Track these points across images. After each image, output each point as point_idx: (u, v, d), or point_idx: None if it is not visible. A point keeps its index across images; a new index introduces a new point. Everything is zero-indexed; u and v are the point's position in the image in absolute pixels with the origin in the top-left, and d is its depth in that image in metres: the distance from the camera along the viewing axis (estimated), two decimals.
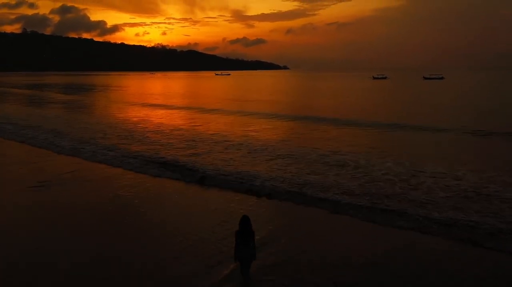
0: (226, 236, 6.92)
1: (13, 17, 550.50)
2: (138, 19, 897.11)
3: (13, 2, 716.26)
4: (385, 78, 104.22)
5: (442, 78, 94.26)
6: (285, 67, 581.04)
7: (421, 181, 10.02)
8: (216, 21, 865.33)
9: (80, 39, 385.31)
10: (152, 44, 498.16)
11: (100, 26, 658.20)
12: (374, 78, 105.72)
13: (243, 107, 30.04)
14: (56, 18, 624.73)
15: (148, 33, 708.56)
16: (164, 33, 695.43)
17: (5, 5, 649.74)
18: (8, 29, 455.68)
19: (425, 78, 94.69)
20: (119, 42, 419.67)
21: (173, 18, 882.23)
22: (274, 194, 9.21)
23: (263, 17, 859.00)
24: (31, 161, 13.10)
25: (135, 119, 23.47)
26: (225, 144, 15.34)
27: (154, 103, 31.83)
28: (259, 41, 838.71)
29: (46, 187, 9.91)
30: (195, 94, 48.78)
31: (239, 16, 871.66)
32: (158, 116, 24.44)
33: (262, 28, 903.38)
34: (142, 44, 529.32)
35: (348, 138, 16.79)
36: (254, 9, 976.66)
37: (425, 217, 7.75)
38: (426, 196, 8.87)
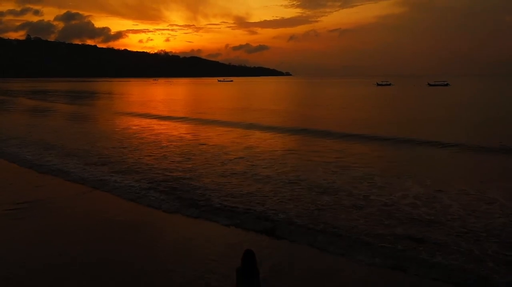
0: (225, 273, 5.72)
1: (18, 23, 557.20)
2: (141, 26, 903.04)
3: (19, 9, 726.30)
4: (389, 84, 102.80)
5: (447, 84, 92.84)
6: (287, 73, 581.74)
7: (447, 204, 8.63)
8: (219, 28, 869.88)
9: (83, 45, 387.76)
10: (155, 51, 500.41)
11: (104, 32, 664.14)
12: (378, 84, 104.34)
13: (246, 118, 27.45)
14: (61, 25, 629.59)
15: (151, 39, 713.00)
16: (167, 40, 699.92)
17: (10, 12, 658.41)
18: (13, 35, 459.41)
19: (430, 85, 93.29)
20: (123, 49, 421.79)
21: (176, 25, 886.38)
22: (278, 228, 7.75)
23: (265, 24, 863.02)
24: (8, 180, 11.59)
25: (133, 131, 22.11)
26: (226, 169, 13.52)
27: (155, 114, 29.39)
28: (261, 48, 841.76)
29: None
30: (198, 102, 47.28)
31: (241, 22, 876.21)
32: (158, 130, 21.97)
33: (264, 35, 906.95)
34: (145, 50, 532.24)
35: (361, 156, 14.71)
36: (257, 16, 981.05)
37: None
38: (461, 224, 7.45)
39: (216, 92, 76.92)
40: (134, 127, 22.85)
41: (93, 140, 18.29)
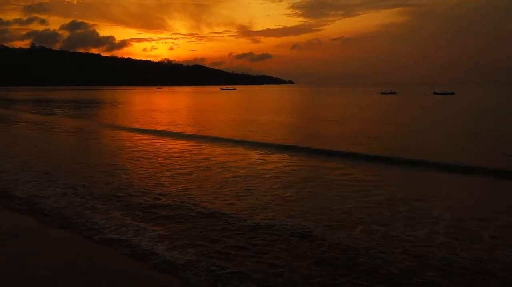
0: None
1: (24, 32, 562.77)
2: (145, 35, 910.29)
3: (25, 18, 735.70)
4: (394, 93, 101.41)
5: (452, 93, 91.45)
6: (290, 82, 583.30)
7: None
8: (222, 36, 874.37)
9: (87, 54, 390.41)
10: (159, 59, 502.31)
11: (108, 41, 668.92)
12: (383, 93, 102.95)
13: (248, 133, 23.64)
14: (66, 33, 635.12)
15: (155, 48, 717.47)
16: (171, 48, 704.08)
17: (17, 21, 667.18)
18: (19, 44, 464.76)
19: (436, 93, 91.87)
20: (126, 57, 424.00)
21: (180, 34, 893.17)
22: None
23: (268, 33, 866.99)
24: None
25: (126, 148, 20.64)
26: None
27: (155, 129, 25.73)
28: (265, 56, 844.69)
29: None
30: (198, 113, 45.79)
31: (244, 31, 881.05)
32: (153, 147, 19.39)
33: (267, 43, 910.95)
34: (149, 59, 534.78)
35: (378, 178, 12.59)
36: (260, 25, 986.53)
37: None
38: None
39: (218, 101, 75.68)
40: (128, 144, 20.01)
41: (78, 159, 16.84)
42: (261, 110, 47.98)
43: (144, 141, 20.81)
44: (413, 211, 9.33)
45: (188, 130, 25.54)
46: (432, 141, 20.97)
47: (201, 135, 22.66)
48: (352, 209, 9.40)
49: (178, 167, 14.20)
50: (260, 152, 17.31)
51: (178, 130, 25.36)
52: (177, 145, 19.61)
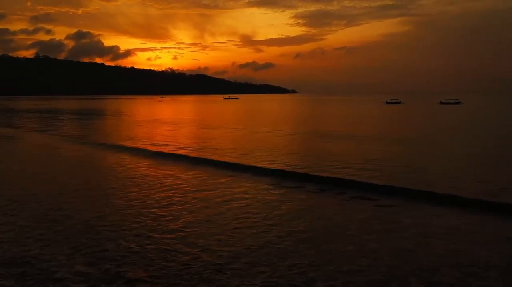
0: None
1: (29, 42, 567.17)
2: (149, 44, 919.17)
3: (31, 28, 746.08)
4: (399, 102, 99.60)
5: (459, 102, 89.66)
6: (293, 91, 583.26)
7: None
8: (225, 46, 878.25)
9: (91, 63, 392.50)
10: (163, 68, 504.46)
11: (113, 51, 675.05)
12: (387, 103, 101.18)
13: (251, 154, 20.27)
14: (71, 43, 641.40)
15: (159, 57, 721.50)
16: (175, 58, 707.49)
17: (23, 31, 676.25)
18: (24, 54, 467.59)
19: (442, 103, 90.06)
20: (129, 66, 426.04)
21: (183, 43, 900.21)
22: None
23: (271, 42, 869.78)
24: None
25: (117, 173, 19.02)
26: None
27: (145, 149, 22.06)
28: (268, 65, 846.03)
29: None
30: (200, 125, 44.37)
31: (248, 41, 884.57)
32: (143, 174, 16.61)
33: (270, 53, 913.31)
34: (153, 68, 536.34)
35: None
36: (263, 34, 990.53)
37: None
38: None
39: (221, 111, 74.31)
40: (120, 168, 16.98)
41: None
42: (263, 122, 46.40)
43: (134, 165, 17.57)
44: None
45: (185, 150, 21.77)
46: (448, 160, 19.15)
47: (200, 159, 18.57)
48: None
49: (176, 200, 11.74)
50: (270, 185, 13.50)
51: (170, 149, 21.75)
52: (173, 171, 16.09)
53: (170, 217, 9.97)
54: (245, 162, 17.14)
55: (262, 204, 11.20)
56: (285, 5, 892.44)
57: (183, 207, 10.90)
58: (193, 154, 20.08)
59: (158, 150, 21.43)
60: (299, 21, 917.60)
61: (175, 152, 20.61)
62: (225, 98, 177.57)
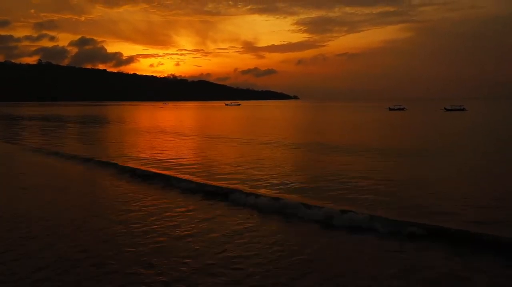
0: None
1: (33, 49, 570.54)
2: (151, 51, 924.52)
3: (35, 35, 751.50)
4: (403, 109, 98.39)
5: (463, 109, 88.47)
6: (295, 97, 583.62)
7: None
8: (227, 52, 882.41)
9: (93, 69, 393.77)
10: (165, 75, 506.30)
11: (116, 57, 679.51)
12: (391, 109, 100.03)
13: (253, 173, 20.02)
14: (75, 50, 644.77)
15: (162, 64, 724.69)
16: (177, 64, 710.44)
17: (27, 38, 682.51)
18: (28, 60, 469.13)
19: (447, 110, 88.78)
20: (132, 73, 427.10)
21: (185, 50, 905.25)
22: None
23: (273, 48, 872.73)
24: None
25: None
26: None
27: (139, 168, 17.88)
28: (270, 72, 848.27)
29: None
30: (200, 132, 43.29)
31: (249, 47, 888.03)
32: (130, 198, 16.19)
33: (272, 59, 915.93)
34: (155, 74, 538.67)
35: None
36: (265, 41, 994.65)
37: None
38: None
39: (223, 119, 73.27)
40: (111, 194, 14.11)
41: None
42: (265, 130, 45.24)
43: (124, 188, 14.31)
44: None
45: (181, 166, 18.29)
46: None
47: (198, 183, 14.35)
48: None
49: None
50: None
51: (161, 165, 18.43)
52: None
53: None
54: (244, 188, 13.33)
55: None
56: (287, 12, 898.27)
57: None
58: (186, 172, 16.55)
59: (135, 167, 17.66)
60: (301, 27, 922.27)
61: (150, 169, 17.14)
62: (227, 104, 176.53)
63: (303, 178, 15.59)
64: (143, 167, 17.57)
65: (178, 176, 15.49)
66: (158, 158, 20.93)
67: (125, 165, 18.05)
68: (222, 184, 13.93)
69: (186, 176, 15.42)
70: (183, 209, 11.32)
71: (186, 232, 9.32)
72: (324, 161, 19.76)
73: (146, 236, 9.08)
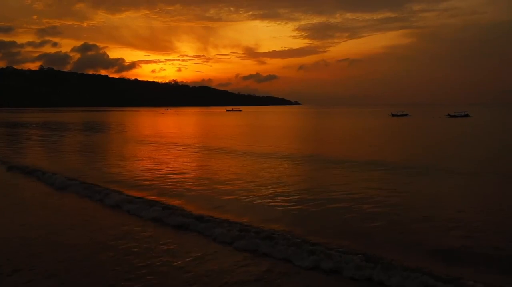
0: None
1: (36, 55, 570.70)
2: (152, 56, 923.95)
3: (38, 41, 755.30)
4: (406, 115, 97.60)
5: (467, 115, 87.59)
6: (296, 103, 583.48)
7: None
8: (229, 58, 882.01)
9: (94, 75, 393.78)
10: (167, 80, 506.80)
11: (118, 63, 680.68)
12: (393, 115, 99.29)
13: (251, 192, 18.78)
14: (77, 55, 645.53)
15: (164, 69, 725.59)
16: (179, 70, 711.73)
17: (30, 44, 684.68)
18: (30, 66, 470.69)
19: (451, 116, 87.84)
20: (133, 78, 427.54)
21: (187, 55, 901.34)
22: None
23: (274, 54, 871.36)
24: None
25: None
26: None
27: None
28: (271, 77, 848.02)
29: None
30: (193, 148, 42.19)
31: (251, 53, 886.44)
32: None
33: (274, 65, 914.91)
34: (157, 80, 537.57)
35: None
36: (266, 47, 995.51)
37: None
38: None
39: (223, 128, 72.50)
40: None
41: None
42: (267, 141, 44.33)
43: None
44: None
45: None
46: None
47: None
48: None
49: None
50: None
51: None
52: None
53: None
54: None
55: None
56: (288, 18, 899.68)
57: None
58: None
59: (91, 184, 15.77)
60: (302, 33, 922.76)
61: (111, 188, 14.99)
62: (228, 110, 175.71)
63: (301, 204, 12.94)
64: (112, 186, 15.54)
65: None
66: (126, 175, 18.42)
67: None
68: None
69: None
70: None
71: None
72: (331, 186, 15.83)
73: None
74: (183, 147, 31.00)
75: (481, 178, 17.72)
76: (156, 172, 19.03)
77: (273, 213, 11.94)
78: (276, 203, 13.09)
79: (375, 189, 15.04)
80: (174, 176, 17.95)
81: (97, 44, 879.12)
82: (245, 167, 20.76)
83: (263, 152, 26.41)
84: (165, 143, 34.36)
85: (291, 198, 13.69)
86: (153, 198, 13.54)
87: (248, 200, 13.53)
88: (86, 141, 39.15)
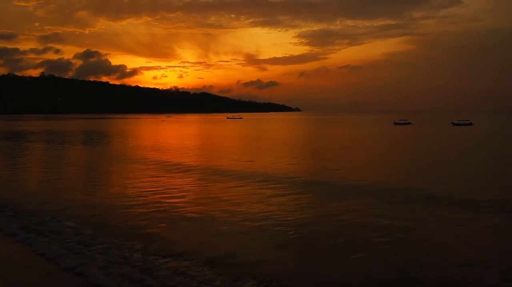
0: None
1: (38, 61, 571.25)
2: (154, 63, 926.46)
3: (41, 48, 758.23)
4: (408, 123, 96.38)
5: (471, 123, 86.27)
6: (297, 109, 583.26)
7: None
8: (230, 65, 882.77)
9: (95, 82, 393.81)
10: (168, 87, 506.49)
11: (120, 69, 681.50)
12: (396, 123, 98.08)
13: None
14: (79, 62, 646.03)
15: (165, 76, 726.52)
16: (180, 76, 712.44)
17: (33, 51, 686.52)
18: (32, 73, 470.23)
19: (454, 124, 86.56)
20: (134, 85, 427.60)
21: (188, 62, 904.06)
22: None
23: (275, 61, 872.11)
24: None
25: None
26: None
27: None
28: (272, 84, 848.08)
29: None
30: (199, 160, 40.63)
31: (252, 60, 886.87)
32: None
33: (275, 71, 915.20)
34: (158, 87, 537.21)
35: None
36: (267, 53, 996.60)
37: None
38: None
39: (222, 139, 71.24)
40: None
41: None
42: (269, 156, 43.00)
43: None
44: None
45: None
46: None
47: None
48: None
49: None
50: None
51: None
52: None
53: None
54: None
55: None
56: (289, 25, 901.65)
57: None
58: None
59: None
60: (303, 40, 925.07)
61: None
62: (229, 118, 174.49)
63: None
64: None
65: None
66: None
67: None
68: None
69: None
70: None
71: None
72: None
73: None
74: (179, 170, 24.62)
75: None
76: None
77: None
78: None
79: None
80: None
81: (99, 51, 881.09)
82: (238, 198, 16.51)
83: (260, 173, 23.16)
84: (159, 162, 28.02)
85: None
86: None
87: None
88: (68, 156, 36.64)
